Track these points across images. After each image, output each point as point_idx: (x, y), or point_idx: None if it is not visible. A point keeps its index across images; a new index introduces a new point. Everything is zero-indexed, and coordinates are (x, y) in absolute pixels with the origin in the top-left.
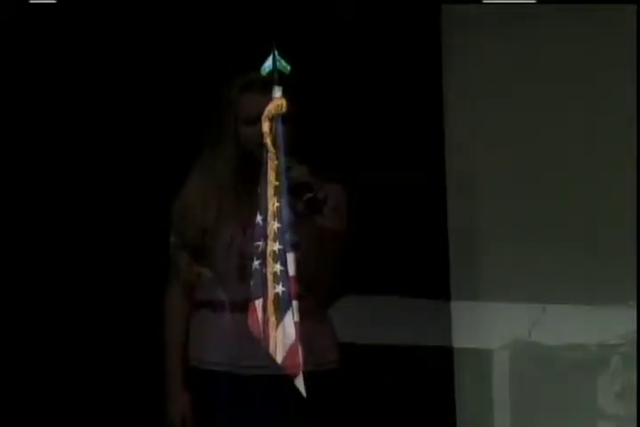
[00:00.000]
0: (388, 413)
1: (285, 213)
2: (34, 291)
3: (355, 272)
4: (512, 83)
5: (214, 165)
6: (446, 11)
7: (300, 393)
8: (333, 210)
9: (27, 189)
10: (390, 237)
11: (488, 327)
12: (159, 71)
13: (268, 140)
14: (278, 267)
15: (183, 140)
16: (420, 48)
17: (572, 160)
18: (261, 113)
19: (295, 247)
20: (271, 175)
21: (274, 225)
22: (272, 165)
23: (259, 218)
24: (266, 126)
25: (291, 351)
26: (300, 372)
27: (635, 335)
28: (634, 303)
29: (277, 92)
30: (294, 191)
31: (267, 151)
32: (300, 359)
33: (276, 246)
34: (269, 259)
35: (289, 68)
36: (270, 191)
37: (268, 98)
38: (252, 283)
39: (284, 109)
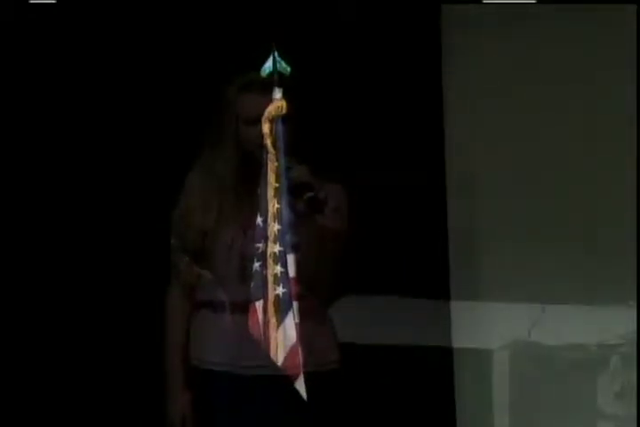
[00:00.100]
0: (388, 413)
1: (285, 214)
2: (36, 292)
3: (355, 272)
4: (512, 83)
5: (214, 166)
6: (446, 11)
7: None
8: (334, 210)
9: (27, 190)
10: (390, 237)
11: (488, 327)
12: (159, 71)
13: (269, 142)
14: (279, 268)
15: (183, 140)
16: (420, 48)
17: (572, 160)
18: (261, 114)
19: (295, 248)
20: (271, 177)
21: (274, 227)
22: (272, 166)
23: (259, 220)
24: (266, 128)
25: (291, 353)
26: (301, 373)
27: (635, 335)
28: (634, 303)
29: (277, 94)
30: (295, 191)
31: (267, 152)
32: (301, 361)
33: (277, 248)
34: (270, 260)
35: (289, 69)
36: (270, 193)
37: (268, 98)
38: (252, 284)
39: (284, 111)
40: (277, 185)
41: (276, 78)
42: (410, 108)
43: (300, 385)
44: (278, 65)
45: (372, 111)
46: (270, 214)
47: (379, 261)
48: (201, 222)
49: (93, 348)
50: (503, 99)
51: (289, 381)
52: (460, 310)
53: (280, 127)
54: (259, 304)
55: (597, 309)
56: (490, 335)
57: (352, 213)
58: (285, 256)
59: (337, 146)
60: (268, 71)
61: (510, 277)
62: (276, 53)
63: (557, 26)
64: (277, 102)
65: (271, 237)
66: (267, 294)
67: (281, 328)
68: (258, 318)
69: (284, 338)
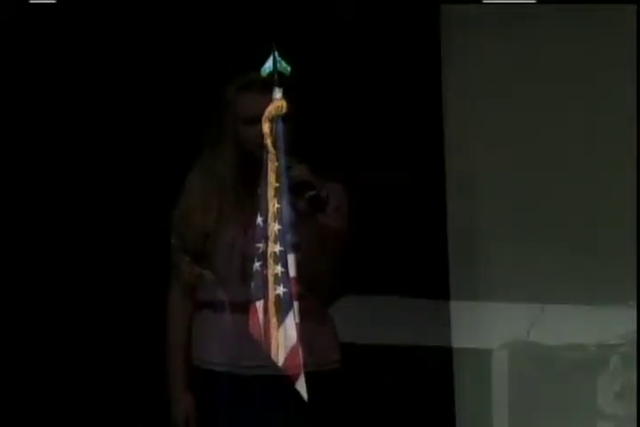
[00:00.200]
0: (388, 413)
1: (286, 214)
2: (37, 292)
3: (355, 272)
4: (512, 83)
5: (214, 166)
6: (446, 11)
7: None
8: (335, 209)
9: (27, 191)
10: (390, 237)
11: (488, 327)
12: (159, 71)
13: (269, 142)
14: (279, 268)
15: (183, 140)
16: (419, 48)
17: (571, 160)
18: (261, 113)
19: (296, 248)
20: (271, 177)
21: (274, 227)
22: (272, 166)
23: (259, 219)
24: (266, 127)
25: (292, 353)
26: (302, 373)
27: (634, 335)
28: (634, 303)
29: (278, 94)
30: (296, 190)
31: (267, 152)
32: (301, 361)
33: (277, 248)
34: (270, 260)
35: (289, 69)
36: (271, 192)
37: (268, 98)
38: (252, 284)
39: (284, 111)
40: (278, 185)
41: (277, 78)
42: (409, 108)
43: (301, 385)
44: (278, 65)
45: (371, 111)
46: (271, 214)
47: (379, 261)
48: (201, 222)
49: (95, 348)
50: (503, 99)
51: (289, 381)
52: (460, 310)
53: (280, 127)
54: (259, 304)
55: (597, 309)
56: (490, 335)
57: (352, 212)
58: (286, 256)
59: (337, 146)
60: (268, 71)
61: (510, 277)
62: (276, 53)
63: (557, 26)
64: (277, 102)
65: (271, 237)
66: (267, 293)
67: (281, 328)
68: (258, 318)
69: (284, 338)
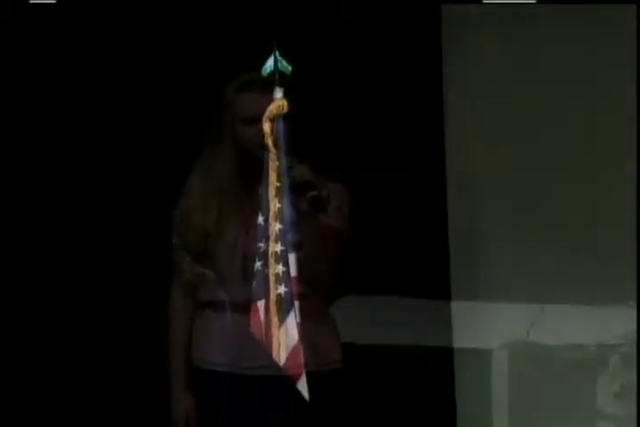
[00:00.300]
0: (388, 413)
1: (287, 213)
2: (38, 293)
3: (355, 272)
4: (512, 83)
5: (214, 165)
6: (446, 11)
7: (301, 393)
8: (337, 209)
9: (28, 191)
10: (390, 237)
11: (488, 327)
12: (159, 71)
13: (270, 141)
14: (280, 268)
15: (183, 140)
16: (420, 48)
17: (572, 160)
18: (261, 113)
19: (297, 247)
20: (272, 176)
21: (275, 226)
22: (273, 165)
23: (260, 219)
24: (267, 127)
25: (293, 353)
26: (303, 373)
27: (634, 335)
28: (634, 303)
29: (279, 93)
30: (297, 190)
31: (268, 152)
32: (303, 361)
33: (278, 247)
34: (271, 260)
35: (290, 68)
36: (271, 192)
37: (266, 98)
38: (253, 284)
39: (285, 110)
40: (278, 184)
41: (277, 77)
42: (410, 108)
43: (302, 385)
44: (279, 64)
45: (372, 111)
46: (272, 214)
47: (379, 261)
48: (201, 222)
49: (96, 348)
50: (503, 99)
51: (291, 381)
52: (460, 310)
53: (281, 126)
54: (260, 304)
55: (597, 309)
56: (490, 335)
57: (352, 212)
58: (287, 255)
59: (337, 145)
60: (269, 70)
61: (510, 277)
62: (277, 53)
63: (557, 26)
64: (278, 101)
65: (272, 237)
66: (268, 293)
67: (283, 328)
68: (259, 318)
69: (285, 338)
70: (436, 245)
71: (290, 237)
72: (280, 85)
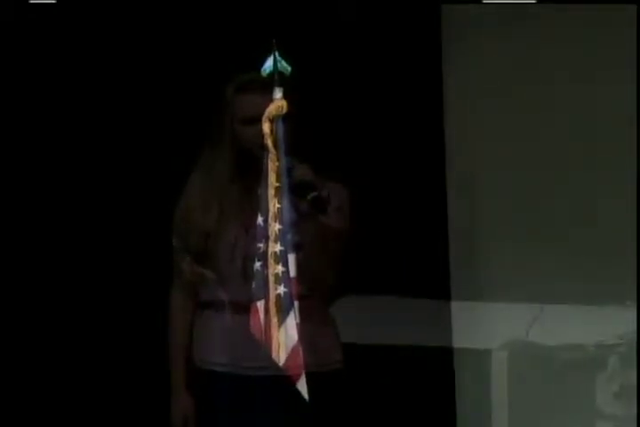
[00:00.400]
0: (388, 413)
1: (286, 214)
2: (38, 293)
3: (355, 272)
4: (512, 83)
5: (214, 165)
6: (446, 11)
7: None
8: (337, 209)
9: (27, 191)
10: (390, 237)
11: (488, 327)
12: (159, 71)
13: (269, 142)
14: (280, 268)
15: (183, 140)
16: (420, 48)
17: (571, 160)
18: (260, 114)
19: (297, 248)
20: (272, 177)
21: (275, 226)
22: (272, 166)
23: (260, 219)
24: (266, 127)
25: (293, 353)
26: (303, 373)
27: (634, 335)
28: (632, 303)
29: (278, 94)
30: (297, 190)
31: (267, 152)
32: (302, 361)
33: (278, 248)
34: (271, 260)
35: (289, 68)
36: (271, 193)
37: (265, 99)
38: (253, 284)
39: (284, 111)
40: (278, 185)
41: (277, 78)
42: (410, 107)
43: (302, 386)
44: (279, 64)
45: (372, 111)
46: (271, 214)
47: (379, 261)
48: (201, 222)
49: (96, 348)
50: (503, 99)
51: (291, 381)
52: (460, 310)
53: (280, 127)
54: (260, 304)
55: (597, 309)
56: (490, 335)
57: (352, 212)
58: (286, 256)
59: (337, 146)
60: (268, 71)
61: (510, 277)
62: (276, 53)
63: (557, 26)
64: (278, 102)
65: (272, 237)
66: (268, 293)
67: (282, 328)
68: (259, 319)
69: (285, 338)
70: (435, 245)
71: (289, 237)
72: (279, 86)
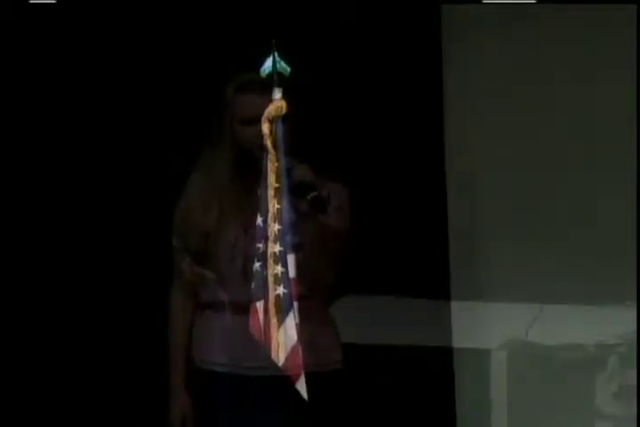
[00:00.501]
0: (388, 413)
1: (286, 214)
2: (38, 293)
3: (355, 272)
4: (512, 83)
5: (214, 165)
6: (446, 11)
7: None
8: (337, 209)
9: (27, 191)
10: (390, 237)
11: (488, 327)
12: (159, 71)
13: (268, 142)
14: (279, 268)
15: (183, 140)
16: (420, 48)
17: (572, 160)
18: (259, 114)
19: (297, 248)
20: (271, 177)
21: (274, 227)
22: (272, 166)
23: (259, 220)
24: (266, 128)
25: (292, 353)
26: (302, 374)
27: (633, 335)
28: (632, 303)
29: (277, 94)
30: (297, 191)
31: (267, 153)
32: (301, 361)
33: (277, 248)
34: (270, 260)
35: (289, 69)
36: (270, 193)
37: (265, 99)
38: (252, 285)
39: (284, 111)
40: (277, 185)
41: (276, 78)
42: (410, 107)
43: (301, 386)
44: (278, 65)
45: (372, 111)
46: (270, 214)
47: (379, 261)
48: (201, 222)
49: (96, 348)
50: (503, 99)
51: (290, 381)
52: (460, 310)
53: (280, 127)
54: (259, 304)
55: (596, 309)
56: (490, 335)
57: (352, 212)
58: (286, 256)
59: (337, 146)
60: (267, 71)
61: (510, 277)
62: (275, 53)
63: (557, 26)
64: (277, 102)
65: (271, 238)
66: (267, 294)
67: (282, 329)
68: (259, 319)
69: (284, 338)
70: (435, 245)
71: (289, 237)
72: (279, 86)
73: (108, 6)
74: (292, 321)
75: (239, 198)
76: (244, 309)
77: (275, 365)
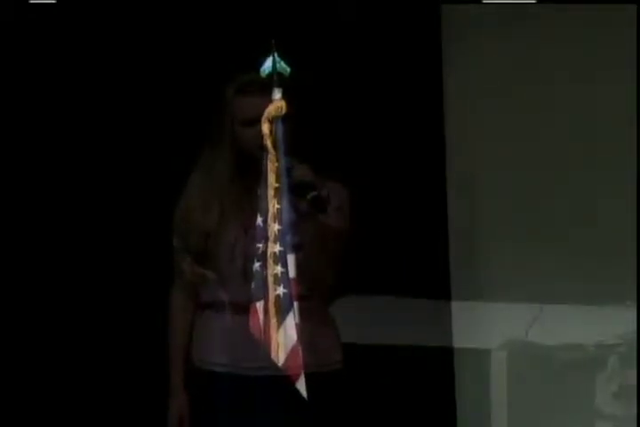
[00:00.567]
0: (388, 413)
1: (286, 214)
2: (38, 292)
3: (355, 272)
4: (512, 83)
5: (214, 165)
6: (446, 11)
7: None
8: (337, 209)
9: (27, 191)
10: (390, 237)
11: (488, 327)
12: (159, 71)
13: (268, 142)
14: (279, 269)
15: (183, 140)
16: (420, 48)
17: (571, 160)
18: (259, 115)
19: (296, 248)
20: (271, 177)
21: (274, 227)
22: (272, 166)
23: (259, 220)
24: (265, 128)
25: (292, 354)
26: (302, 374)
27: (633, 335)
28: (632, 303)
29: (277, 94)
30: (297, 191)
31: (267, 153)
32: (301, 361)
33: (277, 248)
34: (270, 261)
35: (289, 69)
36: (270, 193)
37: (265, 100)
38: (252, 285)
39: (284, 111)
40: (277, 185)
41: (276, 79)
42: (410, 107)
43: (301, 386)
44: (278, 65)
45: (372, 111)
46: (270, 215)
47: (379, 261)
48: (201, 222)
49: (96, 348)
50: (503, 99)
51: (290, 381)
52: (460, 310)
53: (280, 127)
54: (259, 305)
55: (596, 309)
56: (490, 335)
57: (352, 212)
58: (286, 256)
59: (337, 146)
60: (267, 72)
61: (510, 277)
62: (275, 54)
63: (557, 26)
64: (277, 103)
65: (271, 238)
66: (267, 294)
67: (281, 329)
68: (258, 319)
69: (284, 339)
70: (436, 245)
71: (289, 238)
72: (279, 86)
73: (108, 6)
74: (291, 321)
75: (239, 198)
76: (244, 309)
77: (275, 365)
